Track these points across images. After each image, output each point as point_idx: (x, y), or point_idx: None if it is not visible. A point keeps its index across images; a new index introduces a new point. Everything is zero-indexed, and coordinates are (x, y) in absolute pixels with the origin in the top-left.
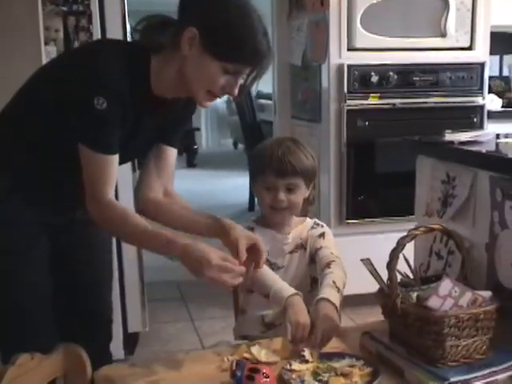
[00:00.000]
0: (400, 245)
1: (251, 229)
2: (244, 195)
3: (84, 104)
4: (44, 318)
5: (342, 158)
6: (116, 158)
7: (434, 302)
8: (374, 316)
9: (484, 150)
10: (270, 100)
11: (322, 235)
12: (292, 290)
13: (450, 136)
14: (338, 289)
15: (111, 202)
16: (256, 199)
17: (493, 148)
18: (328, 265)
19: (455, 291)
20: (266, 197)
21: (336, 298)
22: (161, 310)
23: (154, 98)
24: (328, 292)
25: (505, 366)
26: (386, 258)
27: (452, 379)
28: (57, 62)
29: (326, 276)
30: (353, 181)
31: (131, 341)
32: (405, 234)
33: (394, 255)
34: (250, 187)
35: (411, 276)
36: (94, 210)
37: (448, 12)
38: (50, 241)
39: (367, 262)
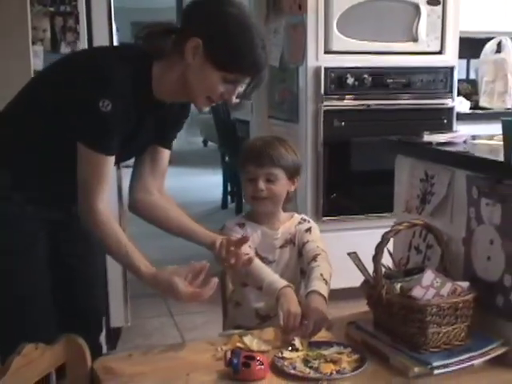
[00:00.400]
0: (385, 239)
1: (242, 224)
2: (217, 193)
3: (89, 105)
4: (44, 314)
5: (318, 157)
6: (112, 159)
7: (417, 292)
8: (354, 310)
9: (461, 151)
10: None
11: (309, 230)
12: (284, 282)
13: (428, 137)
14: (326, 281)
15: (101, 209)
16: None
17: (469, 149)
18: (314, 258)
19: (437, 282)
20: (247, 188)
21: (325, 291)
22: (141, 306)
23: (154, 101)
24: (318, 284)
25: (481, 351)
26: (363, 254)
27: (434, 364)
28: (59, 64)
29: (314, 269)
30: (329, 179)
31: (113, 335)
32: (380, 230)
33: (379, 249)
34: (224, 185)
35: (393, 268)
36: (83, 209)
37: (419, 18)
38: (49, 237)
39: (354, 256)
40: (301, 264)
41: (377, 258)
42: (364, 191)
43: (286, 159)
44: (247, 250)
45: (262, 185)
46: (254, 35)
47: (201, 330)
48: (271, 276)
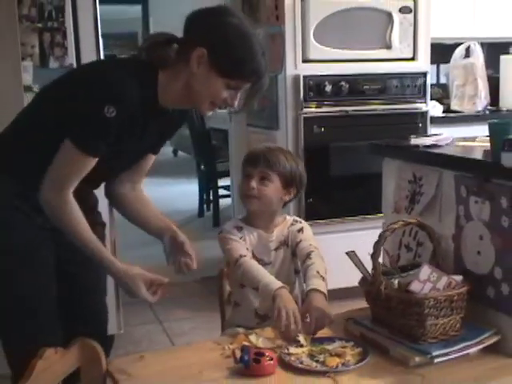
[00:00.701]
0: (382, 237)
1: (240, 228)
2: (191, 201)
3: (94, 110)
4: (50, 316)
5: None
6: (95, 160)
7: (415, 286)
8: (347, 308)
9: (449, 152)
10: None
11: (301, 230)
12: (279, 284)
13: (415, 140)
14: (323, 278)
15: (72, 200)
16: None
17: (455, 150)
18: (308, 255)
19: (433, 276)
20: (241, 186)
21: (323, 288)
22: (128, 314)
23: (159, 109)
24: (316, 282)
25: (476, 340)
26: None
27: (434, 353)
28: (65, 78)
29: (310, 267)
30: (310, 183)
31: (108, 343)
32: (357, 232)
33: (377, 247)
34: (200, 193)
35: (389, 266)
36: (51, 197)
37: (392, 26)
38: (53, 243)
39: (352, 255)
40: (295, 264)
41: (375, 255)
42: (343, 195)
43: (283, 166)
44: (242, 250)
45: (253, 183)
46: (253, 43)
47: (189, 335)
48: (267, 277)
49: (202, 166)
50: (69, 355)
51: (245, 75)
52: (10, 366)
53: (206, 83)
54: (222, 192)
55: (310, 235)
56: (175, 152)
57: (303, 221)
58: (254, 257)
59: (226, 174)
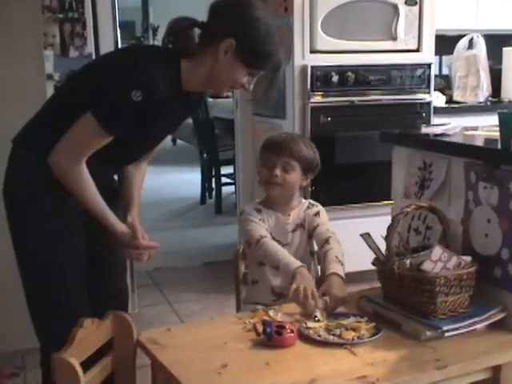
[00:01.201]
0: (395, 220)
1: (259, 210)
2: (193, 189)
3: (121, 91)
4: (81, 294)
5: None
6: (109, 138)
7: (427, 266)
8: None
9: (459, 141)
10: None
11: (318, 214)
12: (298, 263)
13: (425, 129)
14: (341, 262)
15: (84, 170)
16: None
17: (465, 139)
18: (327, 241)
19: (444, 256)
20: (264, 173)
21: (342, 272)
22: (138, 296)
23: (182, 93)
24: (336, 267)
25: (483, 317)
26: (348, 241)
27: (444, 328)
28: (103, 57)
29: (329, 252)
30: None
31: None
32: (362, 219)
33: (391, 229)
34: (202, 181)
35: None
36: (65, 164)
37: (398, 18)
38: (84, 227)
39: (366, 236)
40: (310, 246)
41: (389, 237)
42: (347, 182)
43: (304, 154)
44: (262, 231)
45: (277, 171)
46: (276, 38)
47: (199, 315)
48: (287, 257)
49: (205, 155)
50: (103, 326)
51: (269, 66)
52: (40, 340)
53: (230, 71)
54: (223, 180)
55: (326, 219)
56: (174, 141)
57: (318, 204)
58: (272, 238)
59: (228, 162)
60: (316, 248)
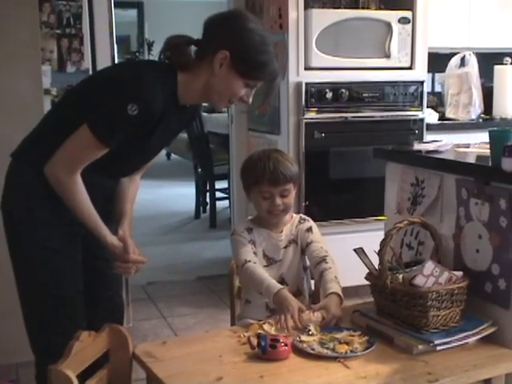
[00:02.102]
0: (388, 235)
1: (250, 229)
2: (187, 204)
3: (118, 104)
4: (78, 308)
5: (300, 167)
6: (105, 150)
7: (419, 280)
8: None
9: (451, 157)
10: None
11: (310, 230)
12: (279, 286)
13: (418, 145)
14: (339, 282)
15: (79, 181)
16: (252, 204)
17: (457, 155)
18: (324, 259)
19: (436, 271)
20: (263, 204)
21: (340, 291)
22: (133, 310)
23: (179, 106)
24: (334, 287)
25: (474, 331)
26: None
27: (436, 342)
28: (101, 72)
29: (327, 271)
30: (309, 187)
31: None
32: (354, 234)
33: (384, 244)
34: (197, 195)
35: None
36: (61, 175)
37: (391, 36)
38: (82, 239)
39: (360, 251)
40: (303, 261)
41: (382, 252)
42: (341, 198)
43: (293, 172)
44: (248, 255)
45: (279, 201)
46: (271, 48)
47: (193, 329)
48: (268, 280)
49: (200, 169)
50: (100, 339)
51: (265, 76)
52: (36, 353)
53: (226, 83)
54: (218, 194)
55: (319, 235)
56: (168, 155)
57: (310, 219)
58: (265, 256)
59: (222, 177)
60: (308, 263)
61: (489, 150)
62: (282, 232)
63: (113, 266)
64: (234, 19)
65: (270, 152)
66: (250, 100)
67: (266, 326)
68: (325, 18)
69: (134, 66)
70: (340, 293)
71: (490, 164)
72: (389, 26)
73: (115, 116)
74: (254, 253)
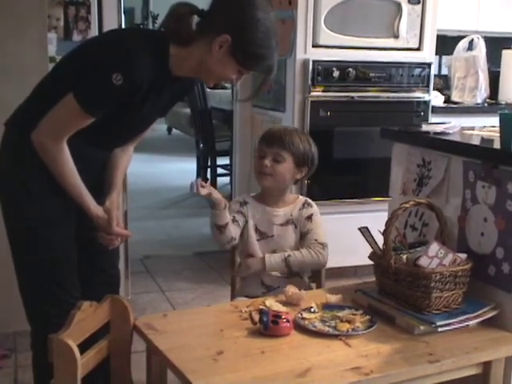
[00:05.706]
0: (394, 215)
1: (245, 203)
2: (189, 178)
3: (102, 73)
4: (73, 280)
5: None
6: (92, 119)
7: (423, 261)
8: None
9: (459, 140)
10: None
11: (310, 218)
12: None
13: (426, 127)
14: (286, 260)
15: (66, 150)
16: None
17: (464, 138)
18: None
19: (441, 253)
20: (256, 164)
21: (270, 259)
22: (131, 283)
23: (171, 77)
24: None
25: (476, 313)
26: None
27: (438, 323)
28: (89, 39)
29: (303, 249)
30: None
31: None
32: (355, 214)
33: (389, 223)
34: (198, 171)
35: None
36: (48, 144)
37: (401, 16)
38: (77, 213)
39: (365, 230)
40: (300, 245)
41: (387, 232)
42: (344, 177)
43: (297, 147)
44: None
45: (267, 161)
46: (274, 41)
47: (192, 304)
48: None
49: (201, 145)
50: (100, 310)
51: (262, 68)
52: (32, 323)
53: (221, 65)
54: (219, 171)
55: (318, 223)
56: (169, 130)
57: (314, 204)
58: (257, 230)
59: (224, 153)
60: None
61: (496, 134)
62: (279, 208)
63: (98, 236)
64: (244, 4)
65: (288, 126)
66: (238, 83)
67: (267, 302)
68: None
69: (122, 33)
70: (273, 260)
71: (499, 147)
72: (398, 5)
73: (100, 85)
74: (238, 222)
